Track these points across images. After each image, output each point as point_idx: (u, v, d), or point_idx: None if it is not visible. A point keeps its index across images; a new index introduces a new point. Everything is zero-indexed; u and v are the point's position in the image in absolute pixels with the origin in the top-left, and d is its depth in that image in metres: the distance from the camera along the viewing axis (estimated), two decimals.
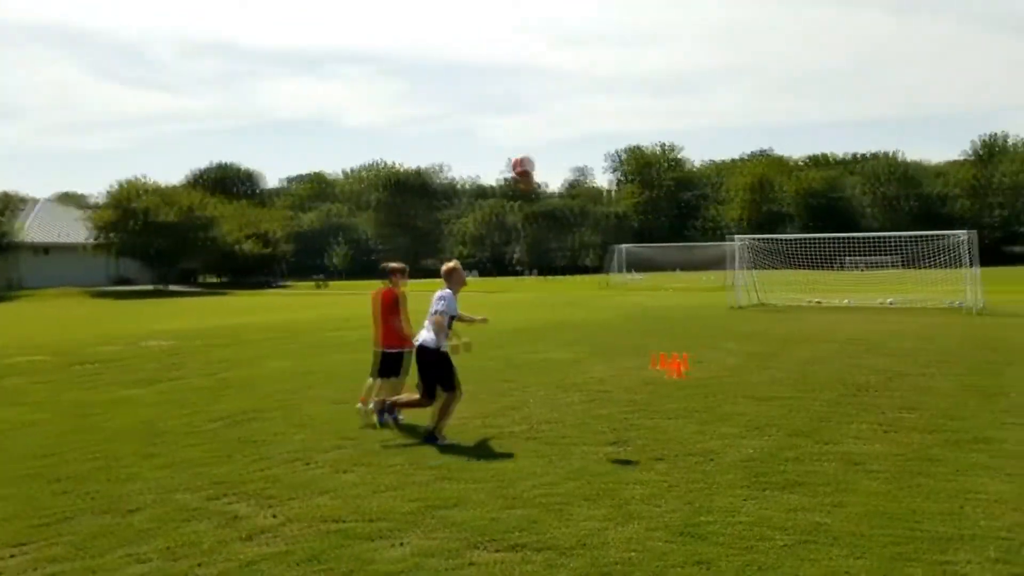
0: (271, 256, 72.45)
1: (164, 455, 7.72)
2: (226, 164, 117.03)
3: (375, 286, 9.69)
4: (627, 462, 7.20)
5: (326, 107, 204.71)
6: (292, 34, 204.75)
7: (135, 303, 41.63)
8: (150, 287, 57.58)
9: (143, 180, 61.77)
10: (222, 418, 9.46)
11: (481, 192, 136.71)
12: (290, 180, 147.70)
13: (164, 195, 59.79)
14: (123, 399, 11.00)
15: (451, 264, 8.60)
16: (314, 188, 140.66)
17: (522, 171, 9.08)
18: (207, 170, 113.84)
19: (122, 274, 61.59)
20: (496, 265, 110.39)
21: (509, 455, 7.51)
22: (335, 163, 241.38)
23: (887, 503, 5.96)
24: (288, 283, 73.70)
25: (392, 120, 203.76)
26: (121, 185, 60.12)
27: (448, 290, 8.34)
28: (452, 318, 8.31)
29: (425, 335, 8.26)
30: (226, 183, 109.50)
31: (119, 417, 9.69)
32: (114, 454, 7.79)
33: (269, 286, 67.36)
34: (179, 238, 57.77)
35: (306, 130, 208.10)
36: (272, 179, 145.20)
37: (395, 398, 8.79)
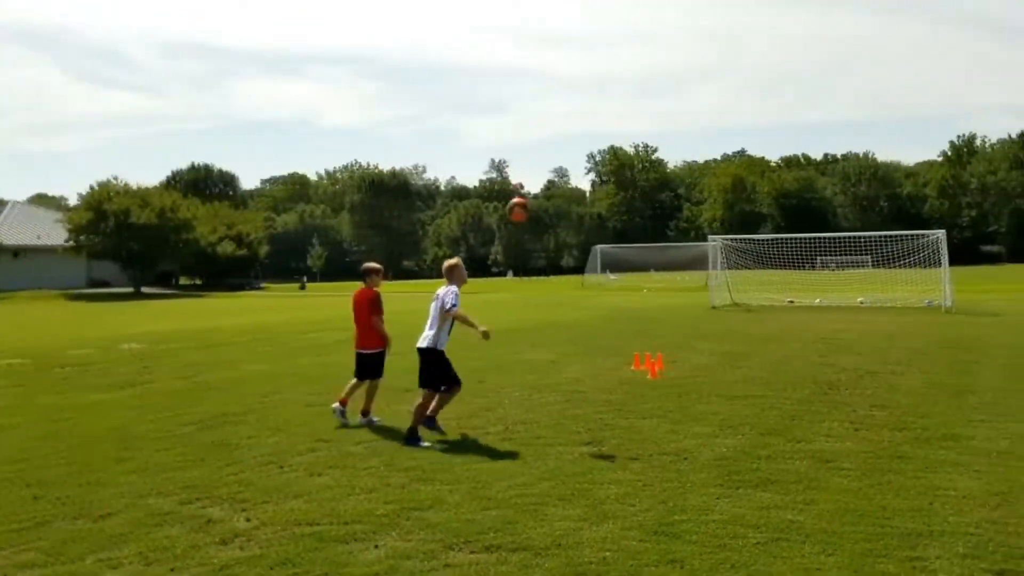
0: (248, 258, 71.96)
1: (137, 459, 7.66)
2: (203, 165, 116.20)
3: (358, 287, 9.67)
4: (602, 462, 7.24)
5: (303, 108, 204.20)
6: (270, 34, 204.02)
7: (111, 306, 41.21)
8: (126, 289, 57.02)
9: (118, 182, 61.14)
10: (195, 422, 9.40)
11: (459, 193, 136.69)
12: (267, 181, 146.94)
13: (140, 197, 59.17)
14: (96, 403, 10.89)
15: (453, 260, 8.71)
16: (291, 189, 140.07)
17: (520, 204, 9.02)
18: (184, 171, 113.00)
19: (98, 276, 60.96)
20: (474, 266, 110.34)
21: (485, 456, 7.52)
22: (312, 164, 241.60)
23: (857, 500, 6.03)
24: (266, 285, 73.27)
25: (370, 121, 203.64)
26: (96, 187, 59.50)
27: (454, 286, 8.40)
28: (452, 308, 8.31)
29: (428, 334, 8.34)
30: (203, 184, 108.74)
31: (92, 421, 9.60)
32: (87, 459, 7.72)
33: (246, 288, 66.90)
34: (155, 240, 57.22)
35: (283, 131, 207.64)
36: (249, 180, 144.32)
37: (430, 410, 8.35)
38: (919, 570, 4.75)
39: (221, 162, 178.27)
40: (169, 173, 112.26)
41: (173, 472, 7.17)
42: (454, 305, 8.19)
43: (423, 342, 8.36)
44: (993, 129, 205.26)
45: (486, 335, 8.20)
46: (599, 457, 7.41)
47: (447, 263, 8.67)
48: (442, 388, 8.35)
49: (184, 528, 5.69)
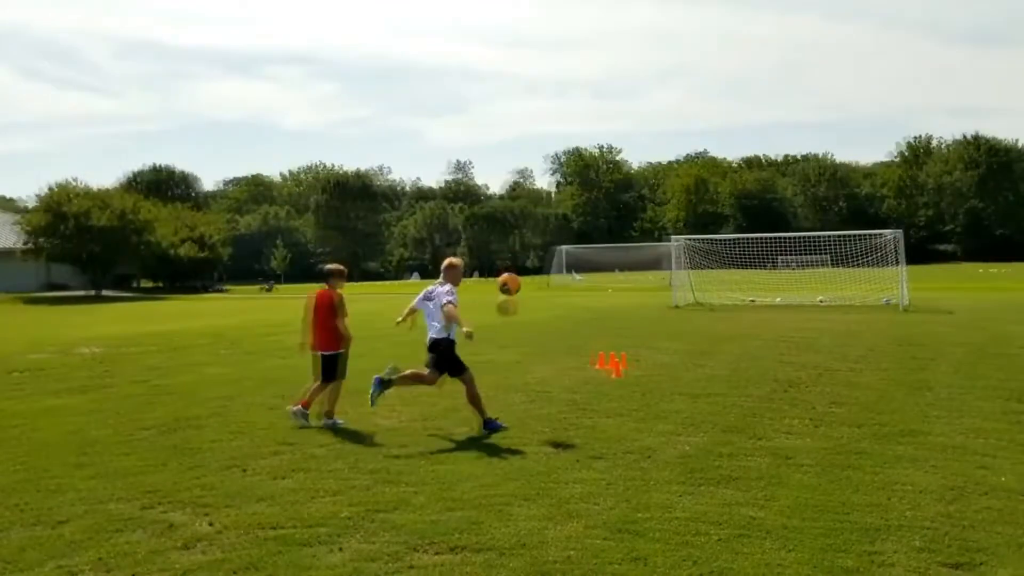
0: (210, 260, 71.12)
1: (95, 465, 7.54)
2: (162, 166, 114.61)
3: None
4: (567, 461, 7.27)
5: (263, 108, 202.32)
6: (227, 35, 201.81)
7: (68, 309, 40.47)
8: (86, 292, 56.04)
9: (75, 183, 60.07)
10: (156, 426, 9.27)
11: (423, 194, 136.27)
12: (227, 183, 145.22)
13: (97, 198, 58.17)
14: (53, 408, 10.70)
15: (456, 261, 9.09)
16: (252, 191, 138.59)
17: (511, 284, 9.18)
18: (142, 172, 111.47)
19: (56, 279, 59.80)
20: (438, 267, 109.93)
21: (450, 457, 7.53)
22: (273, 165, 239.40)
23: (817, 496, 6.13)
24: (227, 287, 72.41)
25: (331, 122, 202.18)
26: (52, 188, 58.41)
27: (449, 284, 8.73)
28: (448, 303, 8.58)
29: (437, 326, 8.59)
30: (162, 186, 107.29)
31: (48, 427, 9.42)
32: (43, 465, 7.58)
33: (206, 290, 66.09)
34: (113, 242, 56.28)
35: (243, 132, 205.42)
36: (209, 182, 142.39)
37: (478, 407, 8.63)
38: (877, 564, 4.83)
39: (181, 163, 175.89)
40: (129, 174, 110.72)
41: (134, 477, 7.07)
42: (450, 302, 8.47)
43: (436, 333, 8.62)
44: (947, 131, 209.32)
45: (470, 336, 8.36)
46: (564, 457, 7.45)
47: (448, 261, 9.08)
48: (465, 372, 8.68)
49: (145, 533, 5.62)
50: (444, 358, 8.65)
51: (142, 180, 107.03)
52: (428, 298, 8.82)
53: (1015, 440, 7.72)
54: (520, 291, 9.26)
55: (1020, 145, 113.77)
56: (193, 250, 67.15)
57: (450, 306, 8.44)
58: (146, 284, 72.48)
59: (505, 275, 9.31)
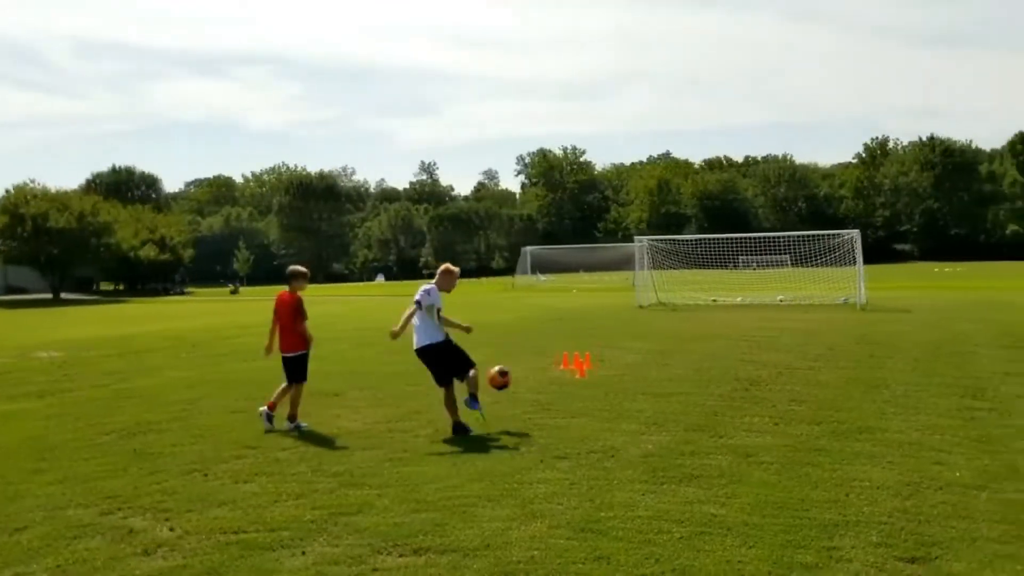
0: (171, 262, 70.26)
1: (54, 470, 7.43)
2: (124, 168, 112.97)
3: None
4: (531, 462, 7.30)
5: (227, 109, 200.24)
6: (190, 35, 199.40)
7: (27, 312, 39.74)
8: (44, 296, 55.03)
9: (33, 185, 59.02)
10: (116, 431, 9.15)
11: (388, 195, 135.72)
12: (191, 184, 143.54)
13: (56, 200, 57.22)
14: (10, 413, 10.51)
15: (455, 269, 9.24)
16: (216, 192, 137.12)
17: (503, 379, 9.35)
18: (104, 174, 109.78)
19: (14, 282, 58.72)
20: (404, 268, 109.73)
21: (415, 459, 7.52)
22: (237, 166, 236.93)
23: (777, 493, 6.22)
24: (191, 290, 71.52)
25: (295, 123, 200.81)
26: (9, 190, 57.36)
27: (434, 286, 8.85)
28: (438, 310, 8.74)
29: (418, 337, 8.71)
30: (123, 187, 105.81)
31: (6, 432, 9.26)
32: (1, 470, 7.45)
33: (167, 293, 65.23)
34: (74, 245, 55.43)
35: (206, 133, 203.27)
36: (172, 183, 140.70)
37: (472, 392, 8.75)
38: (835, 559, 4.91)
39: (143, 164, 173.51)
40: (89, 176, 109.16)
41: (93, 482, 6.97)
42: (418, 301, 8.62)
43: (435, 337, 8.73)
44: (904, 132, 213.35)
45: (393, 335, 8.68)
46: (529, 457, 7.48)
47: (445, 266, 9.23)
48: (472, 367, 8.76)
49: (105, 540, 5.55)
50: (441, 358, 8.78)
51: (103, 182, 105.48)
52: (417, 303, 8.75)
53: (969, 436, 7.89)
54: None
55: (975, 146, 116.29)
56: (154, 252, 66.32)
57: (418, 304, 8.66)
58: (107, 287, 71.44)
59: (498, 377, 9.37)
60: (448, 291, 9.03)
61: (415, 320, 8.77)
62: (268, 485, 6.77)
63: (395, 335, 8.69)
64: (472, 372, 8.77)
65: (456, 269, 9.30)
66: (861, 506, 5.88)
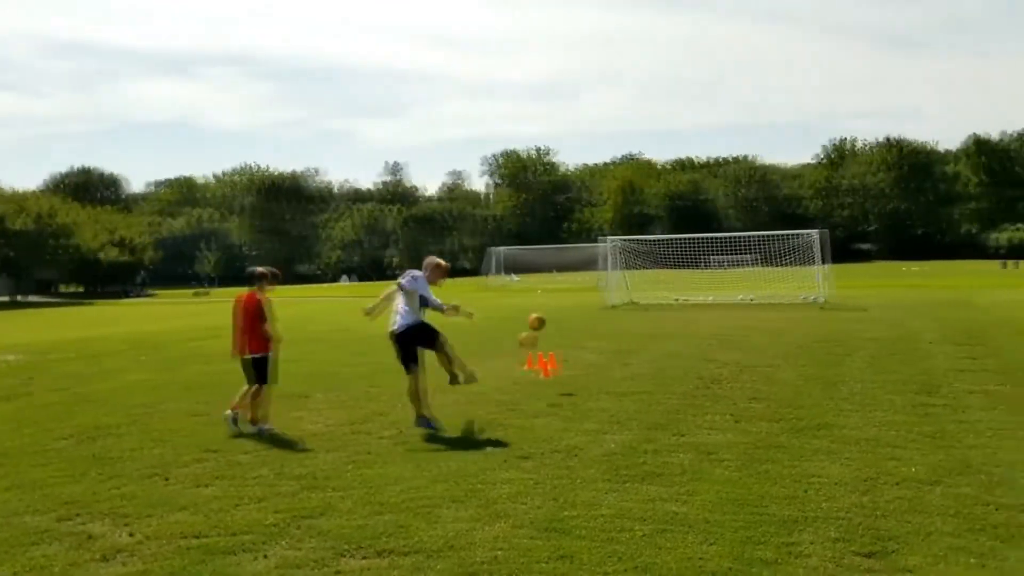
0: (133, 264, 69.32)
1: (10, 476, 7.31)
2: (87, 168, 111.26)
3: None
4: (495, 462, 7.32)
5: (190, 109, 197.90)
6: (153, 34, 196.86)
7: None
8: (1, 298, 54.03)
9: None
10: (74, 435, 9.02)
11: (357, 196, 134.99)
12: (156, 184, 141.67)
13: (12, 201, 56.23)
14: None
15: (445, 265, 9.53)
16: (181, 193, 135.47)
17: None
18: (67, 175, 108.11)
19: None
20: (373, 269, 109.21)
21: (378, 461, 7.50)
22: (203, 167, 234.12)
23: (737, 489, 6.30)
24: (154, 292, 70.57)
25: (262, 122, 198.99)
26: None
27: (422, 273, 9.06)
28: (424, 300, 8.89)
29: (399, 320, 8.79)
30: (87, 188, 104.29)
31: None
32: None
33: (127, 295, 64.35)
34: (33, 247, 54.51)
35: (171, 133, 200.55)
36: (136, 184, 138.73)
37: (421, 401, 8.86)
38: (794, 555, 4.99)
39: (106, 165, 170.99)
40: (48, 177, 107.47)
41: (50, 488, 6.87)
42: (402, 285, 8.80)
43: (408, 320, 8.80)
44: (866, 133, 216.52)
45: (367, 312, 9.19)
46: (492, 457, 7.49)
47: (436, 260, 9.47)
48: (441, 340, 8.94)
49: (62, 546, 5.48)
50: (415, 341, 8.91)
51: (67, 182, 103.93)
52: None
53: (923, 432, 8.04)
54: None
55: (935, 147, 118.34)
56: (115, 253, 65.40)
57: (402, 287, 8.86)
58: (67, 289, 70.31)
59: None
60: (436, 285, 9.18)
61: (397, 305, 8.90)
62: (229, 489, 6.72)
63: (368, 312, 9.03)
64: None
65: (446, 264, 9.54)
66: (819, 502, 5.97)
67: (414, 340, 8.88)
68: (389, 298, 9.12)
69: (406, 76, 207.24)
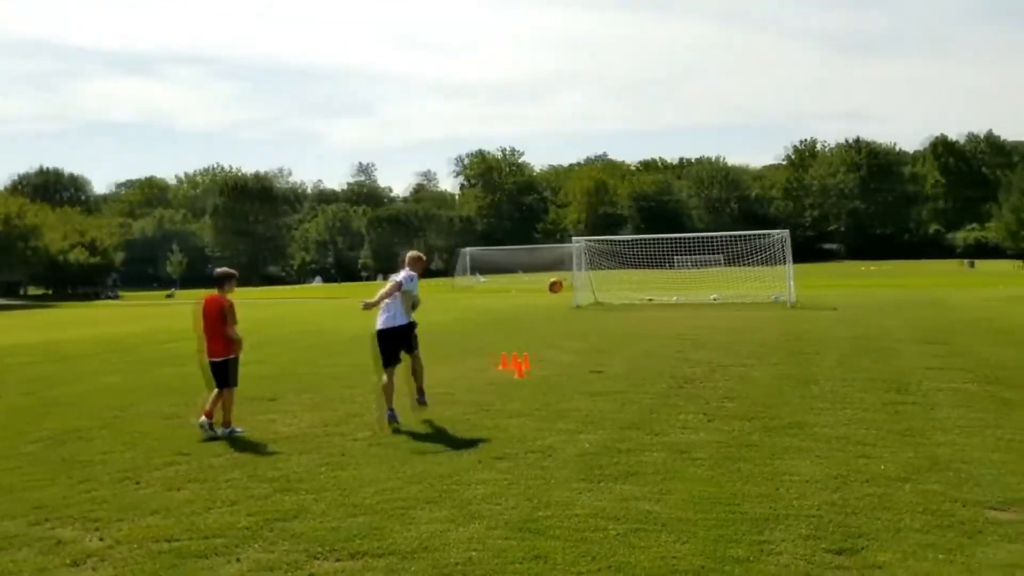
0: (102, 266, 68.37)
1: None
2: (51, 169, 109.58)
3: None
4: (469, 463, 7.31)
5: (158, 109, 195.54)
6: (119, 33, 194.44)
7: None
8: None
9: None
10: (43, 439, 8.87)
11: (325, 196, 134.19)
12: (122, 186, 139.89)
13: None
14: None
15: (422, 255, 9.96)
16: (147, 194, 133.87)
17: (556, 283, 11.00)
18: (30, 176, 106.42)
19: None
20: (342, 270, 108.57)
21: (352, 463, 7.46)
22: (169, 168, 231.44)
23: (710, 488, 6.35)
24: (123, 293, 69.58)
25: (229, 123, 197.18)
26: None
27: (413, 272, 9.44)
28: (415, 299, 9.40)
29: (394, 318, 9.10)
30: (50, 189, 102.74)
31: None
32: None
33: (97, 297, 63.46)
34: (1, 248, 53.55)
35: (137, 133, 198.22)
36: (102, 185, 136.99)
37: (421, 382, 9.41)
38: (766, 553, 5.04)
39: (71, 166, 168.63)
40: (12, 177, 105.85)
41: (19, 492, 6.76)
42: (400, 282, 9.13)
43: (400, 320, 9.15)
44: (831, 134, 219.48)
45: (366, 306, 9.24)
46: (467, 458, 7.49)
47: (413, 254, 9.84)
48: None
49: (32, 551, 5.40)
50: (412, 337, 9.31)
51: (28, 183, 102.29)
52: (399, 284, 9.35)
53: (893, 430, 8.15)
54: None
55: (898, 148, 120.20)
56: (83, 255, 64.48)
57: (409, 291, 9.24)
58: (35, 291, 69.20)
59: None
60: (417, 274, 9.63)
61: (389, 302, 9.14)
62: (201, 492, 6.65)
63: (368, 307, 9.16)
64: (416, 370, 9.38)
65: (423, 256, 10.03)
66: (791, 500, 6.03)
67: (404, 340, 9.23)
68: (388, 294, 9.21)
69: (375, 77, 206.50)
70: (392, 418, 8.91)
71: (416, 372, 9.43)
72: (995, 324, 18.79)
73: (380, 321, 9.18)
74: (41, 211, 63.14)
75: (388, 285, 9.29)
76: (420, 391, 9.44)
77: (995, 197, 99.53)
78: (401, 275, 9.31)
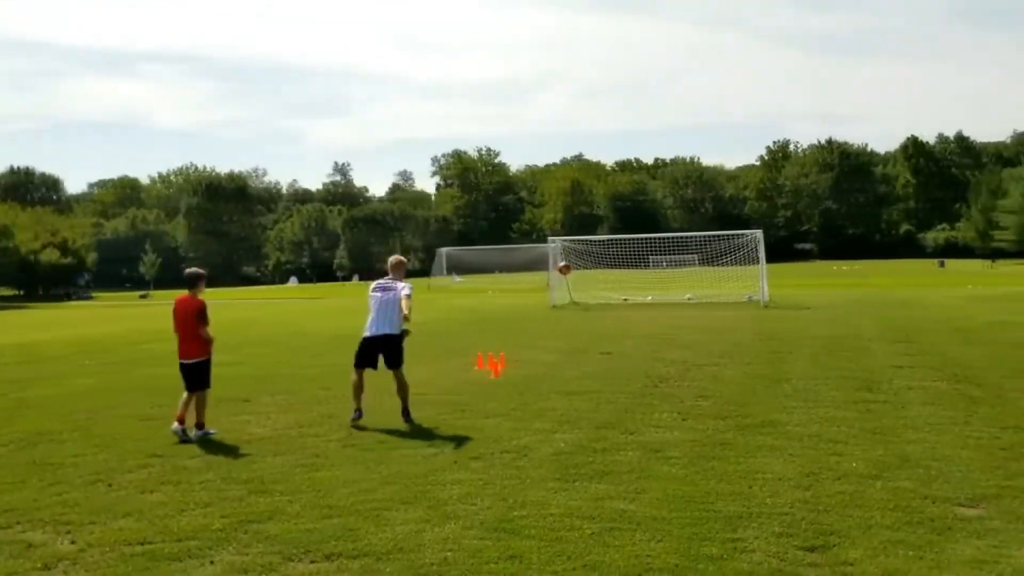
0: (74, 266, 67.55)
1: None
2: (23, 168, 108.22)
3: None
4: (445, 463, 7.32)
5: (133, 108, 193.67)
6: (96, 31, 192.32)
7: None
8: None
9: None
10: (13, 441, 8.75)
11: (301, 196, 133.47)
12: (95, 185, 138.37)
13: None
14: None
15: (406, 260, 10.03)
16: (120, 194, 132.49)
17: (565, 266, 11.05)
18: (2, 175, 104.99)
19: None
20: (318, 270, 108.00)
21: (326, 464, 7.44)
22: (144, 167, 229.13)
23: (684, 487, 6.40)
24: (95, 294, 68.73)
25: (205, 122, 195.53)
26: None
27: (398, 276, 9.56)
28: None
29: (391, 321, 9.23)
30: (23, 188, 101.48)
31: None
32: None
33: (70, 298, 62.69)
34: None
35: (112, 132, 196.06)
36: (75, 184, 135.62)
37: (406, 397, 9.30)
38: (739, 551, 5.08)
39: (44, 165, 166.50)
40: None
41: None
42: (408, 295, 9.27)
43: (390, 328, 9.24)
44: (804, 135, 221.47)
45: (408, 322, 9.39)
46: (442, 459, 7.49)
47: (397, 259, 9.90)
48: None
49: (1, 555, 5.33)
50: (400, 350, 9.34)
51: (2, 183, 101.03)
52: (384, 289, 9.43)
53: (864, 428, 8.25)
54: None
55: (870, 149, 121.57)
56: (56, 256, 63.69)
57: (410, 299, 9.25)
58: (5, 292, 68.26)
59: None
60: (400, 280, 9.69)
61: (380, 306, 9.31)
62: (175, 494, 6.60)
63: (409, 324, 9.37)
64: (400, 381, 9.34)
65: (402, 258, 10.09)
66: (764, 498, 6.09)
67: (388, 350, 9.30)
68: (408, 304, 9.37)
69: (353, 76, 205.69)
70: (357, 416, 9.04)
71: (400, 390, 9.36)
72: (963, 323, 19.07)
73: (379, 327, 9.27)
74: (12, 211, 62.32)
75: (403, 299, 9.24)
76: (405, 411, 9.32)
77: (965, 198, 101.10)
78: (401, 285, 9.39)
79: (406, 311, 9.14)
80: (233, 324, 23.49)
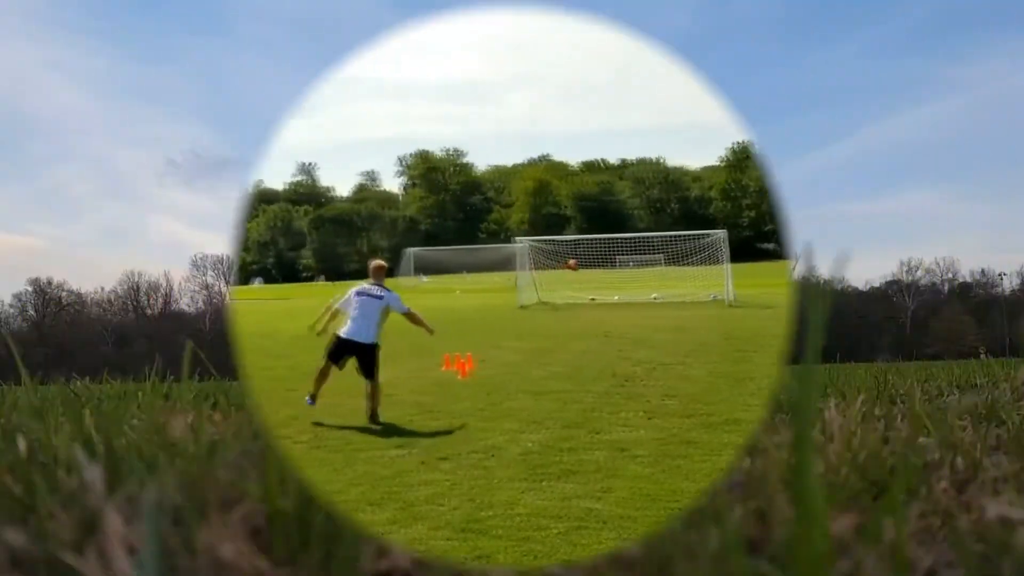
0: None
1: None
2: None
3: None
4: (413, 464, 7.32)
5: None
6: None
7: None
8: None
9: None
10: None
11: (266, 196, 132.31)
12: None
13: None
14: None
15: (386, 265, 10.32)
16: None
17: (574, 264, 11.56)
18: None
19: None
20: (284, 272, 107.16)
21: (292, 466, 7.38)
22: None
23: (650, 485, 6.45)
24: None
25: None
26: None
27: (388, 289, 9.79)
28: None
29: (369, 330, 9.51)
30: None
31: None
32: None
33: None
34: None
35: None
36: None
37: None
38: None
39: None
40: None
41: None
42: (394, 307, 9.69)
43: (362, 338, 9.40)
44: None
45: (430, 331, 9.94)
46: (410, 460, 7.49)
47: (378, 263, 10.10)
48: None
49: None
50: (374, 360, 9.43)
51: None
52: (368, 295, 9.56)
53: None
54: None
55: None
56: None
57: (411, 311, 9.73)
58: None
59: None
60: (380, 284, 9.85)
61: (359, 310, 9.47)
62: None
63: (431, 331, 9.92)
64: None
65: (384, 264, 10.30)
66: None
67: (362, 357, 9.45)
68: (337, 311, 9.44)
69: None
70: (310, 402, 9.28)
71: (372, 398, 9.41)
72: None
73: (348, 329, 9.36)
74: None
75: (417, 316, 9.81)
76: (374, 413, 9.37)
77: None
78: (392, 297, 9.72)
79: (425, 323, 9.79)
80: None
